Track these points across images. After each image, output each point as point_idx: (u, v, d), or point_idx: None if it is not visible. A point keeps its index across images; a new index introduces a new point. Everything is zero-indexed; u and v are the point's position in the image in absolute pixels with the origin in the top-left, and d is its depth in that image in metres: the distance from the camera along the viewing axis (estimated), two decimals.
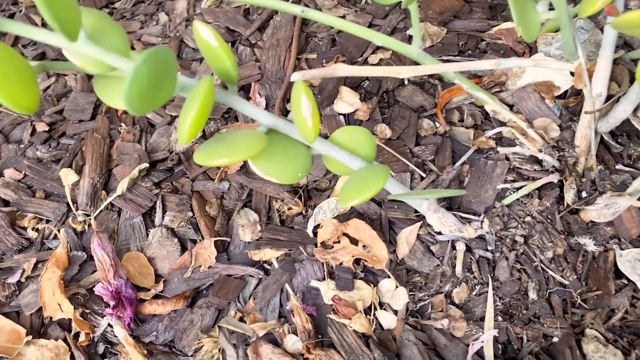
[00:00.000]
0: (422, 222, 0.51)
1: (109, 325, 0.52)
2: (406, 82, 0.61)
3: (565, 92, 0.55)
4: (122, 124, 0.67)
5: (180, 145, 0.62)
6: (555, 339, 0.46)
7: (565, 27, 0.44)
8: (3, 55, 0.30)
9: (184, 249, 0.56)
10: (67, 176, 0.61)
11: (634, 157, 0.52)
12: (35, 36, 0.31)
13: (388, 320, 0.48)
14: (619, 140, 0.53)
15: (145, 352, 0.50)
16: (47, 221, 0.60)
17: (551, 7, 0.55)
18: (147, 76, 0.29)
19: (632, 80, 0.52)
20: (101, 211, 0.59)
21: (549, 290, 0.48)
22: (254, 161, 0.38)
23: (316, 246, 0.52)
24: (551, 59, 0.50)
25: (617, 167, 0.52)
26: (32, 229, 0.60)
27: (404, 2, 0.38)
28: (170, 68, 0.31)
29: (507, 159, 0.53)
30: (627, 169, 0.52)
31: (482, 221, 0.50)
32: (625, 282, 0.47)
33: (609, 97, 0.49)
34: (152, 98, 0.30)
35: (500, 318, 0.48)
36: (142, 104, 0.29)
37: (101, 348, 0.52)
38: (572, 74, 0.53)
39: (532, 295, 0.48)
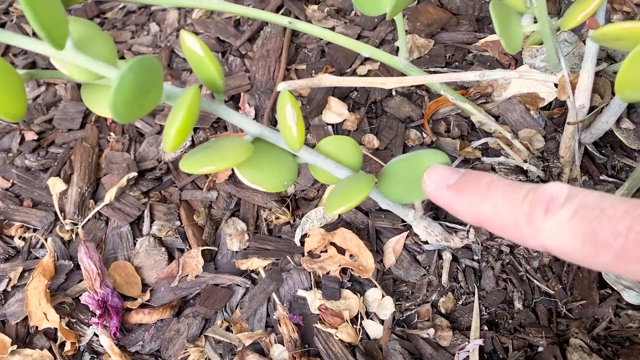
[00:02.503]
0: (408, 231, 0.52)
1: (95, 334, 0.52)
2: (394, 93, 0.62)
3: (550, 103, 0.56)
4: (112, 133, 0.67)
5: (169, 155, 0.62)
6: (540, 349, 0.47)
7: (547, 39, 0.44)
8: None
9: (171, 258, 0.56)
10: (55, 185, 0.61)
11: (617, 167, 0.53)
12: (22, 44, 0.32)
13: (374, 329, 0.49)
14: (603, 151, 0.54)
15: None
16: (35, 230, 0.60)
17: (536, 20, 0.56)
18: (133, 84, 0.29)
19: (614, 92, 0.53)
20: (89, 220, 0.59)
21: (534, 300, 0.49)
22: (240, 169, 0.38)
23: (303, 255, 0.52)
24: (536, 71, 0.51)
25: (601, 177, 0.53)
26: (19, 238, 0.60)
27: (389, 14, 0.38)
28: (156, 76, 0.31)
29: (493, 169, 0.53)
30: (610, 179, 0.52)
31: (468, 231, 0.50)
32: (610, 291, 0.48)
33: (592, 109, 0.50)
34: (138, 106, 0.31)
35: (486, 327, 0.48)
36: (127, 111, 0.30)
37: (87, 358, 0.51)
38: (556, 85, 0.54)
39: (518, 304, 0.48)
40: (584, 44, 0.54)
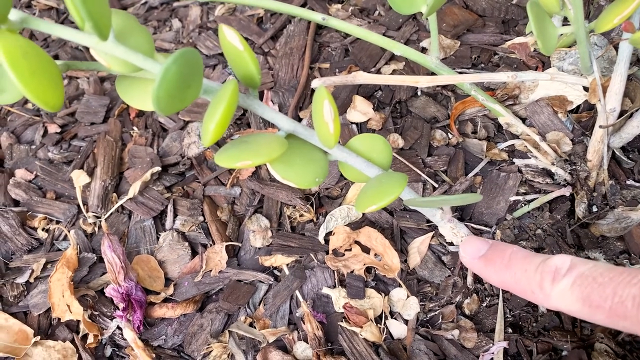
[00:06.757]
0: (434, 232, 0.51)
1: (118, 327, 0.52)
2: (419, 93, 0.61)
3: (578, 106, 0.55)
4: (135, 128, 0.67)
5: (193, 150, 0.62)
6: (564, 353, 0.46)
7: (581, 42, 0.44)
8: (31, 52, 0.31)
9: (194, 253, 0.56)
10: (79, 178, 0.61)
11: None
12: (65, 35, 0.32)
13: (398, 329, 0.48)
14: (630, 156, 0.53)
15: (154, 355, 0.49)
16: (57, 222, 0.60)
17: (565, 22, 0.56)
18: (176, 76, 0.29)
19: None
20: (112, 213, 0.59)
21: None
22: (273, 165, 0.38)
23: (327, 253, 0.52)
24: (565, 74, 0.50)
25: (627, 182, 0.52)
26: (42, 230, 0.60)
27: (426, 12, 0.38)
28: (198, 69, 0.32)
29: (520, 171, 0.53)
30: (637, 184, 0.52)
31: (494, 233, 0.50)
32: None
33: (622, 113, 0.49)
34: (180, 98, 0.31)
35: (510, 330, 0.47)
36: (170, 103, 0.30)
37: (109, 351, 0.52)
38: (585, 89, 0.53)
39: (542, 308, 0.48)
40: (615, 48, 0.54)
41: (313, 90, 0.60)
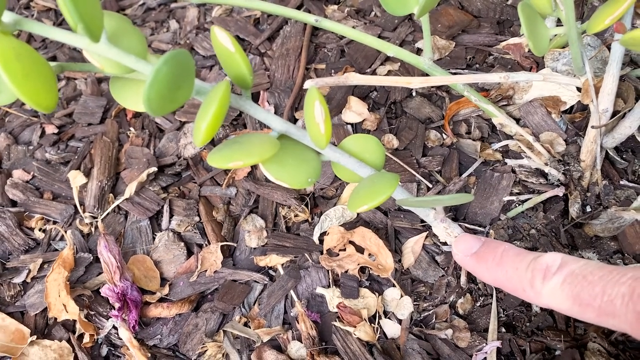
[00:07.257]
0: (428, 232, 0.52)
1: (114, 327, 0.52)
2: (414, 93, 0.62)
3: (572, 107, 0.56)
4: (131, 129, 0.67)
5: (189, 151, 0.63)
6: (558, 352, 0.46)
7: (573, 43, 0.44)
8: (25, 54, 0.31)
9: (190, 253, 0.56)
10: (76, 178, 0.61)
11: (638, 173, 0.53)
12: (57, 37, 0.32)
13: (392, 329, 0.49)
14: (624, 156, 0.53)
15: (149, 355, 0.50)
16: (54, 222, 0.61)
17: (559, 23, 0.56)
18: (167, 77, 0.29)
19: (638, 96, 0.53)
20: (108, 214, 0.60)
21: None
22: (266, 165, 0.38)
23: (322, 253, 0.52)
24: (559, 74, 0.51)
25: (621, 182, 0.52)
26: (39, 230, 0.60)
27: (418, 13, 0.38)
28: (189, 70, 0.32)
29: (513, 171, 0.53)
30: (631, 184, 0.52)
31: (488, 233, 0.51)
32: None
33: (615, 113, 0.49)
34: (171, 99, 0.31)
35: (503, 330, 0.48)
36: (160, 104, 0.30)
37: (105, 350, 0.52)
38: (578, 89, 0.54)
39: (535, 307, 0.48)
40: (608, 48, 0.54)
41: None
